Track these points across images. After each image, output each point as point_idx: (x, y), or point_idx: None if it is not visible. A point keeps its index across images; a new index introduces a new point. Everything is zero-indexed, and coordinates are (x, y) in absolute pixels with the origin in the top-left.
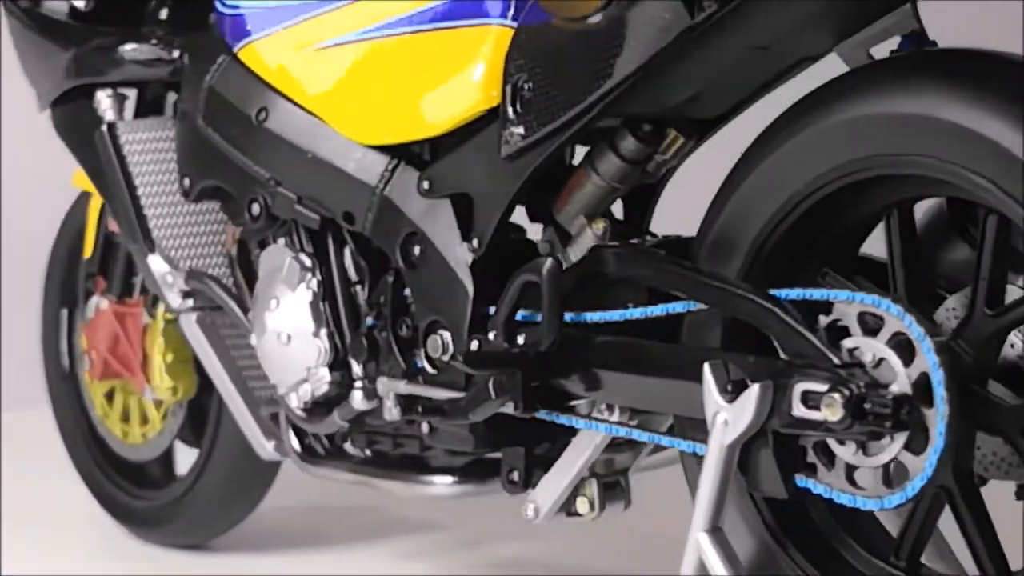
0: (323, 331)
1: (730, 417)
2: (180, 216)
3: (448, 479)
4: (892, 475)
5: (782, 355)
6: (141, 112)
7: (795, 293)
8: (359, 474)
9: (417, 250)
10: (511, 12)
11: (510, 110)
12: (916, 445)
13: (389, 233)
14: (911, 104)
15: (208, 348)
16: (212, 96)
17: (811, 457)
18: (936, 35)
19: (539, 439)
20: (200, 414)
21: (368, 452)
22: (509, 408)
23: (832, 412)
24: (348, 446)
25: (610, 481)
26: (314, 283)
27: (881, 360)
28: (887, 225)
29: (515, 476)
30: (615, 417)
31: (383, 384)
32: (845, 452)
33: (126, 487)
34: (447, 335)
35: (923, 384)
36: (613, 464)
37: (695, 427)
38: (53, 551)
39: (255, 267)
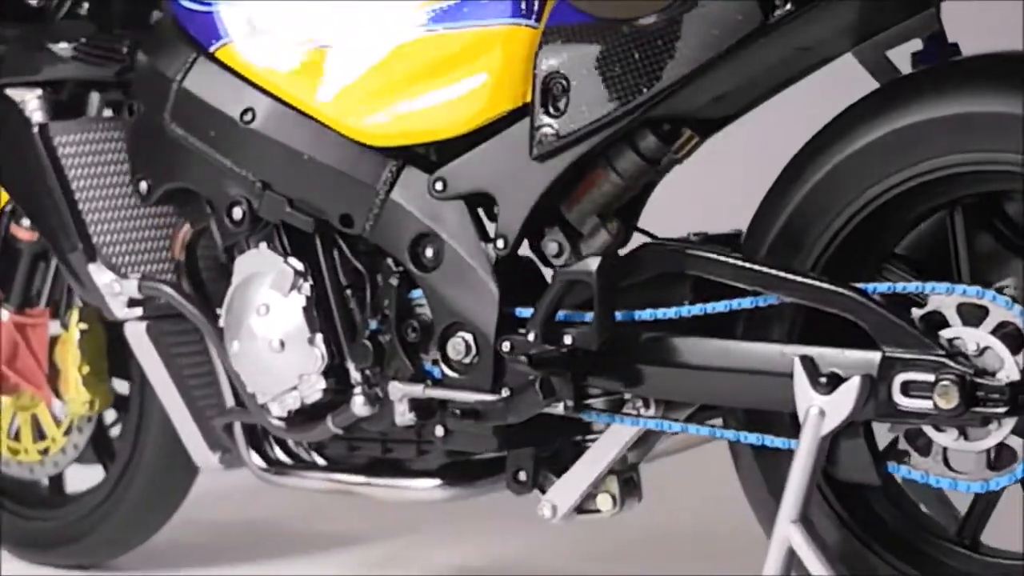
0: (319, 337)
1: (827, 409)
2: (123, 221)
3: (433, 483)
4: (995, 458)
5: (881, 347)
6: (59, 114)
7: (884, 287)
8: (338, 482)
9: (430, 252)
10: (532, 13)
11: (543, 110)
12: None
13: (395, 235)
14: (995, 104)
15: (156, 358)
16: (184, 96)
17: (902, 444)
18: None
19: (547, 438)
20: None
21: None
22: (558, 408)
23: (946, 400)
24: (314, 455)
25: (625, 477)
26: (307, 287)
27: (985, 349)
28: (952, 219)
29: (522, 476)
30: (651, 412)
31: (395, 388)
32: (945, 438)
33: (12, 507)
34: (470, 337)
35: None
36: (626, 460)
37: (759, 419)
38: None
39: (213, 272)
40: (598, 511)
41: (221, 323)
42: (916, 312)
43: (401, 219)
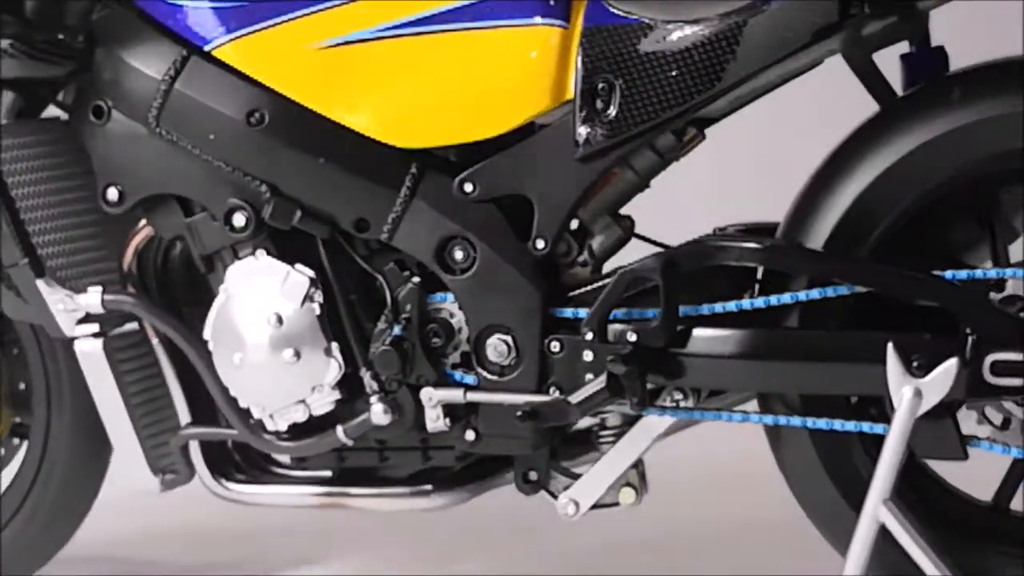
0: (334, 346)
1: (925, 390)
2: (72, 231)
3: (426, 489)
4: None
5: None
6: None
7: (964, 274)
8: (329, 495)
9: (459, 254)
10: (562, 14)
11: (589, 111)
12: None
13: (419, 239)
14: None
15: (108, 376)
16: (177, 97)
17: (979, 420)
18: (936, 35)
19: (563, 436)
20: None
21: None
22: (624, 407)
23: None
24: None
25: (641, 470)
26: (319, 295)
27: None
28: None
29: (532, 476)
30: (690, 403)
31: (428, 394)
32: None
33: None
34: (509, 338)
35: None
36: None
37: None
38: None
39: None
40: (617, 504)
41: (205, 335)
42: (994, 295)
43: (426, 222)
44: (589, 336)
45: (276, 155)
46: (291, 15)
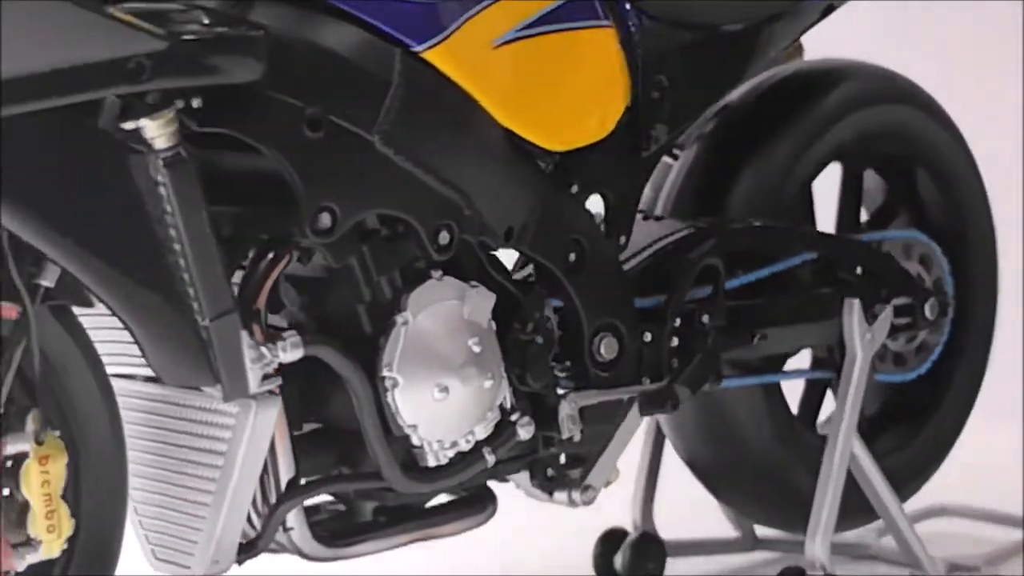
0: (504, 363)
1: (874, 334)
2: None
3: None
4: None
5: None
6: None
7: (879, 235)
8: (415, 532)
9: (573, 255)
10: (607, 15)
11: (652, 110)
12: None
13: (551, 243)
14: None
15: (264, 440)
16: (406, 106)
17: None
18: (936, 35)
19: None
20: None
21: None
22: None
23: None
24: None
25: None
26: (490, 312)
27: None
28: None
29: (550, 473)
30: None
31: (573, 400)
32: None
33: None
34: (618, 334)
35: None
36: None
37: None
38: None
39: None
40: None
41: (388, 371)
42: None
43: (555, 226)
44: (677, 323)
45: (475, 167)
46: (474, 10)
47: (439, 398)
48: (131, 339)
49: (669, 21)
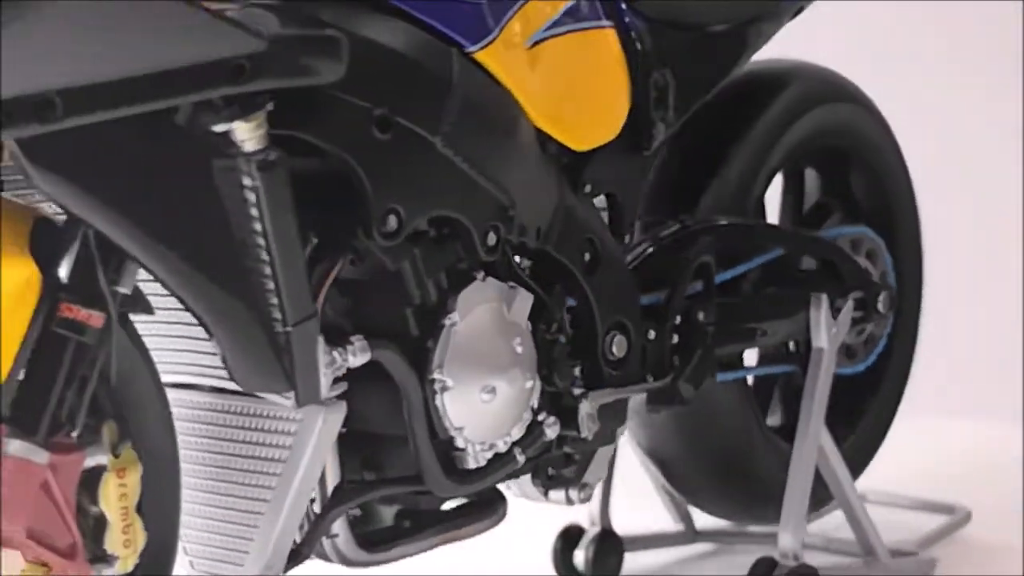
0: (538, 363)
1: (838, 328)
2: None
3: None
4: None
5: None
6: None
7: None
8: (443, 535)
9: (588, 255)
10: (606, 14)
11: (654, 107)
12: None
13: (570, 242)
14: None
15: (327, 447)
16: (464, 108)
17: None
18: (937, 35)
19: None
20: None
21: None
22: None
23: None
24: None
25: None
26: (528, 313)
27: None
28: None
29: (551, 471)
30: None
31: (594, 398)
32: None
33: None
34: (627, 332)
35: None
36: None
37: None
38: None
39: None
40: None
41: (438, 374)
42: None
43: (573, 225)
44: (678, 320)
45: (518, 168)
46: (515, 8)
47: (486, 400)
48: (178, 348)
49: (662, 22)
